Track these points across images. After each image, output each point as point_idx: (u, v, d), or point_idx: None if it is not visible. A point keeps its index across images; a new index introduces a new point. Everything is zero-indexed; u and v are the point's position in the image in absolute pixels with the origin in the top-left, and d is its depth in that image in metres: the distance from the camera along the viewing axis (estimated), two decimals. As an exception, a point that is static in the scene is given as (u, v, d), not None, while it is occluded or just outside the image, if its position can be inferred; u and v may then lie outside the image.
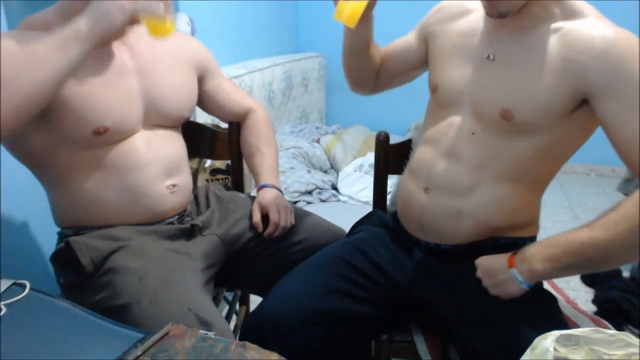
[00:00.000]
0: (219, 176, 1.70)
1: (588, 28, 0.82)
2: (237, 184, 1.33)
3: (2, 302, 0.70)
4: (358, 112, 3.46)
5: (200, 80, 1.15)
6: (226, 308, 1.39)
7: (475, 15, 0.97)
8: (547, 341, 0.52)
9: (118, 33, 0.84)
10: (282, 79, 2.94)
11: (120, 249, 0.92)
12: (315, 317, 0.90)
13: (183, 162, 1.08)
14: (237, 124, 1.26)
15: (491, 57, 0.90)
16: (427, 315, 0.98)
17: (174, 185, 1.03)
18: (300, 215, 1.17)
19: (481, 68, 0.92)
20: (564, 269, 0.81)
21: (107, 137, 0.93)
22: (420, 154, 1.01)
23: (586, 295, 1.94)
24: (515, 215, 0.94)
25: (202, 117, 1.82)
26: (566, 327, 0.84)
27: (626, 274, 1.94)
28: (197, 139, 1.26)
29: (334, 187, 2.46)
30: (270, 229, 1.09)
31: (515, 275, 0.84)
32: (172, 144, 1.05)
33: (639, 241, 0.74)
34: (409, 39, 1.11)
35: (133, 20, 0.84)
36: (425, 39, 1.07)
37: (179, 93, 1.05)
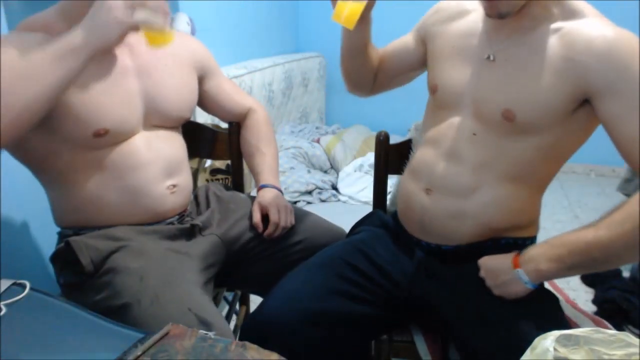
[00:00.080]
0: (219, 176, 1.70)
1: (588, 28, 0.82)
2: (237, 184, 1.33)
3: (2, 302, 0.70)
4: (358, 112, 3.46)
5: (201, 80, 1.15)
6: (226, 308, 1.39)
7: (474, 16, 0.97)
8: (547, 341, 0.52)
9: (114, 45, 0.83)
10: (282, 79, 2.94)
11: (121, 249, 0.92)
12: (315, 318, 0.90)
13: (183, 162, 1.08)
14: (237, 124, 1.26)
15: (491, 57, 0.90)
16: (428, 315, 0.98)
17: (174, 186, 1.03)
18: (300, 215, 1.17)
19: (481, 69, 0.92)
20: (569, 269, 0.82)
21: (107, 138, 0.93)
22: (421, 155, 1.01)
23: (586, 295, 1.94)
24: (517, 216, 0.95)
25: (202, 117, 1.82)
26: (568, 326, 0.84)
27: (626, 274, 1.94)
28: (197, 139, 1.26)
29: (334, 187, 2.46)
30: (270, 229, 1.09)
31: (520, 275, 0.84)
32: (173, 144, 1.05)
33: None
34: (407, 40, 1.11)
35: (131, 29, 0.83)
36: (424, 40, 1.07)
37: (179, 93, 1.05)
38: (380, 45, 1.15)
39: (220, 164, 1.70)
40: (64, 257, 0.94)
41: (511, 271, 0.85)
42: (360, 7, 0.90)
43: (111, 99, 0.92)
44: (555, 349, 0.51)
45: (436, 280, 0.96)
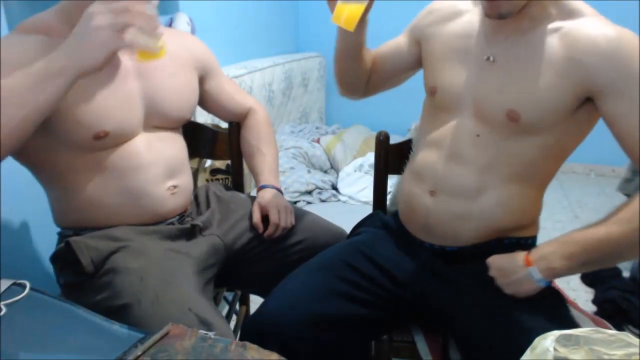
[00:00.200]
0: (219, 176, 1.70)
1: (589, 27, 0.83)
2: (237, 184, 1.33)
3: (2, 302, 0.70)
4: (358, 112, 3.45)
5: (202, 80, 1.15)
6: (226, 308, 1.39)
7: (469, 17, 0.97)
8: (547, 341, 0.52)
9: (101, 67, 0.77)
10: (282, 79, 2.94)
11: (121, 249, 0.92)
12: (315, 319, 0.90)
13: (184, 163, 1.08)
14: (237, 124, 1.26)
15: (491, 59, 0.90)
16: (431, 314, 0.98)
17: (174, 187, 1.03)
18: (300, 216, 1.17)
19: (482, 70, 0.92)
20: (581, 265, 0.83)
21: (107, 140, 0.92)
22: (423, 157, 1.00)
23: (586, 295, 1.94)
24: (520, 215, 0.95)
25: (202, 117, 1.82)
26: (575, 324, 0.85)
27: (626, 274, 1.94)
28: (197, 139, 1.26)
29: (334, 187, 2.46)
30: (270, 230, 1.09)
31: (533, 273, 0.84)
32: (173, 145, 1.05)
33: None
34: (400, 41, 1.10)
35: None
36: (418, 41, 1.06)
37: (179, 94, 1.05)
38: (377, 46, 1.14)
39: (220, 164, 1.70)
40: (64, 258, 0.94)
41: (523, 269, 0.85)
42: (360, 8, 0.90)
43: (111, 101, 0.92)
44: (555, 349, 0.51)
45: (441, 279, 0.96)
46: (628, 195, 1.72)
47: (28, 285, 0.74)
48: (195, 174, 1.63)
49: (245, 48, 2.81)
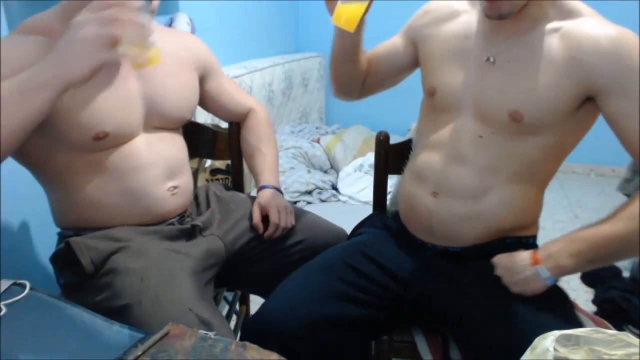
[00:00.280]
0: (219, 176, 1.70)
1: (590, 27, 0.84)
2: (237, 184, 1.33)
3: (2, 302, 0.70)
4: (358, 112, 3.45)
5: (202, 80, 1.15)
6: (226, 308, 1.39)
7: (466, 17, 0.97)
8: (547, 341, 0.52)
9: (88, 79, 0.74)
10: (282, 79, 2.94)
11: (121, 249, 0.92)
12: (316, 321, 0.90)
13: (184, 163, 1.08)
14: (237, 124, 1.26)
15: (491, 59, 0.90)
16: (434, 313, 0.98)
17: (174, 187, 1.02)
18: (300, 216, 1.17)
19: (482, 71, 0.92)
20: (587, 263, 0.84)
21: (107, 141, 0.92)
22: (424, 158, 1.00)
23: (586, 295, 1.93)
24: (522, 215, 0.96)
25: (202, 117, 1.82)
26: (579, 322, 0.85)
27: (626, 274, 1.94)
28: (197, 139, 1.26)
29: (334, 187, 2.46)
30: (270, 230, 1.09)
31: (541, 272, 0.84)
32: (173, 146, 1.05)
33: None
34: (395, 42, 1.10)
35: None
36: (414, 42, 1.06)
37: (180, 95, 1.05)
38: (373, 46, 1.13)
39: (220, 164, 1.70)
40: (64, 258, 0.94)
41: (530, 268, 0.85)
42: (361, 9, 0.90)
43: (111, 101, 0.92)
44: (555, 349, 0.51)
45: (444, 278, 0.96)
46: (628, 195, 1.72)
47: (28, 285, 0.74)
48: (195, 174, 1.63)
49: (245, 48, 2.81)
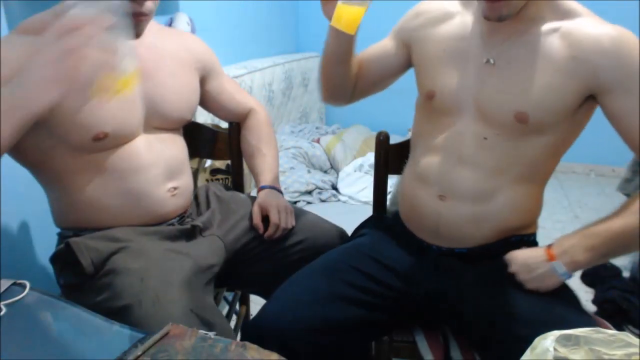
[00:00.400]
0: (219, 176, 1.70)
1: (590, 26, 0.85)
2: (237, 184, 1.33)
3: (2, 302, 0.70)
4: (358, 112, 3.43)
5: (203, 80, 1.14)
6: (226, 308, 1.39)
7: (460, 19, 0.96)
8: (547, 341, 0.52)
9: (50, 109, 0.68)
10: (282, 79, 2.94)
11: (121, 250, 0.92)
12: (316, 324, 0.89)
13: (184, 164, 1.08)
14: (237, 124, 1.26)
15: (491, 61, 0.90)
16: (440, 313, 0.98)
17: (175, 188, 1.02)
18: (300, 216, 1.17)
19: (482, 73, 0.91)
20: (601, 257, 0.86)
21: (107, 142, 0.92)
22: (427, 161, 0.99)
23: (586, 295, 1.93)
24: (526, 214, 0.97)
25: (202, 117, 1.82)
26: (589, 319, 0.86)
27: (626, 274, 1.94)
28: (197, 139, 1.26)
29: (334, 187, 2.46)
30: (270, 231, 1.09)
31: (557, 267, 0.85)
32: (173, 147, 1.05)
33: None
34: (386, 44, 1.08)
35: None
36: (407, 44, 1.04)
37: (180, 95, 1.05)
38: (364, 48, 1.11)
39: (220, 164, 1.70)
40: (64, 258, 0.94)
41: (546, 264, 0.86)
42: (362, 11, 0.89)
43: (111, 102, 0.91)
44: (555, 349, 0.51)
45: (452, 276, 0.96)
46: (628, 195, 1.72)
47: (28, 285, 0.74)
48: (195, 174, 1.63)
49: (245, 48, 2.81)
